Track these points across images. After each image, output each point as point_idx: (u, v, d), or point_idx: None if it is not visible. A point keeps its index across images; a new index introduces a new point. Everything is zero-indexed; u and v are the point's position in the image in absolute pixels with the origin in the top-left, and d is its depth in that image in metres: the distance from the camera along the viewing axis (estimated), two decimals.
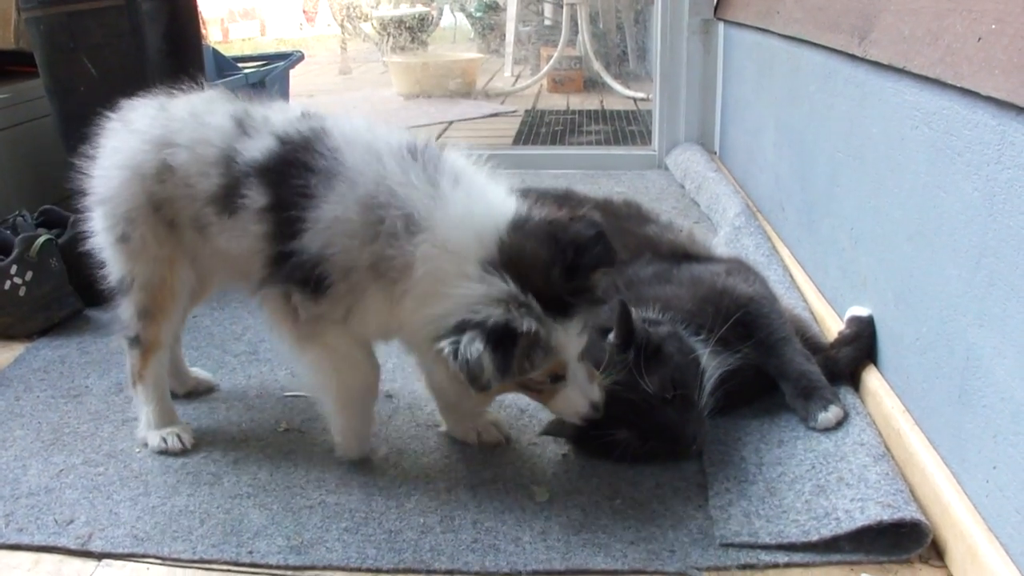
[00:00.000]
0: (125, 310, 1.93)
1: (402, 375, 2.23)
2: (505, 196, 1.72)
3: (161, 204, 1.83)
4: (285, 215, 1.69)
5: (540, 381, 1.68)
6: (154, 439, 1.97)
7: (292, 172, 1.70)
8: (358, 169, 1.68)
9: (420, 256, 1.61)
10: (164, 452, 1.96)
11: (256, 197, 1.72)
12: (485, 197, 1.70)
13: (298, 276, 1.69)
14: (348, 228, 1.65)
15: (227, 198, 1.75)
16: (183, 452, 1.96)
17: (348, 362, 1.80)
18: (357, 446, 1.88)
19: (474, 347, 1.52)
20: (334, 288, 1.68)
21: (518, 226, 1.64)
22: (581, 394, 1.71)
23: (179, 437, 1.97)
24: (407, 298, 1.64)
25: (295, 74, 4.19)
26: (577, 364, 1.69)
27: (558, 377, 1.68)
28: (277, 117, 1.80)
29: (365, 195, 1.66)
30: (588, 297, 1.65)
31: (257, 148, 1.74)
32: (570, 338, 1.64)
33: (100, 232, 1.91)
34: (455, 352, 1.53)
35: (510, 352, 1.55)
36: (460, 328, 1.55)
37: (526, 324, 1.56)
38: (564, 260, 1.62)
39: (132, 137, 1.86)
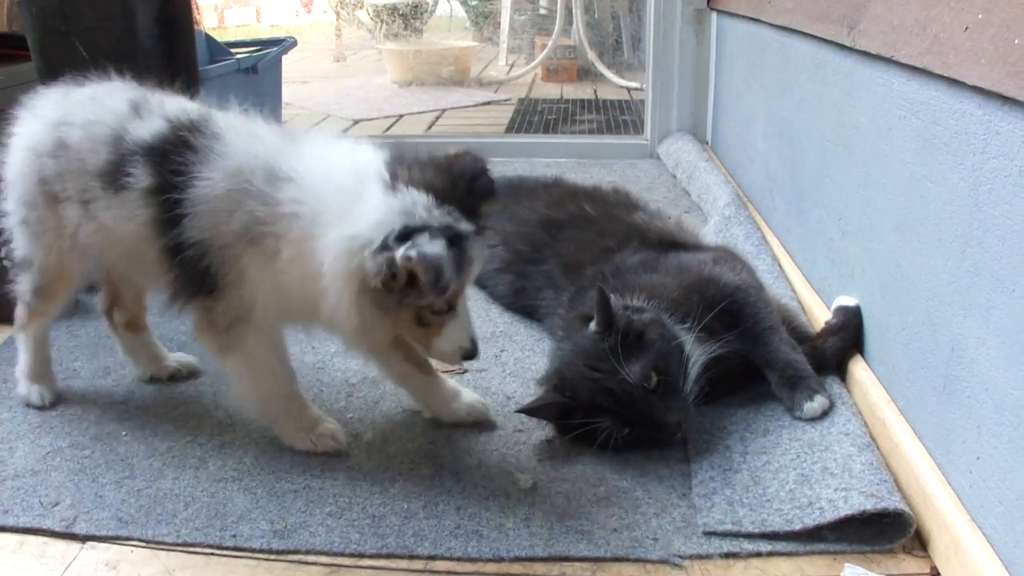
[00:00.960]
0: (23, 283, 2.02)
1: None
2: (374, 148, 1.74)
3: (53, 180, 1.88)
4: (167, 197, 1.72)
5: (433, 312, 1.68)
6: (22, 387, 2.13)
7: (175, 152, 1.74)
8: (233, 146, 1.74)
9: (294, 200, 1.65)
10: (27, 404, 2.10)
11: (141, 176, 1.76)
12: (352, 145, 1.75)
13: (193, 276, 1.74)
14: (216, 204, 1.69)
15: (113, 174, 1.79)
16: (41, 408, 2.08)
17: (265, 370, 1.85)
18: (304, 436, 1.89)
19: (436, 244, 1.54)
20: (224, 278, 1.72)
21: (398, 159, 1.68)
22: (463, 329, 1.73)
23: (41, 394, 2.10)
24: (301, 246, 1.64)
25: (289, 60, 4.18)
26: (461, 298, 1.73)
27: (450, 307, 1.70)
28: (172, 104, 1.86)
29: (233, 168, 1.70)
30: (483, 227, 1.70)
31: (146, 128, 1.79)
32: (479, 249, 1.68)
33: (9, 215, 1.98)
34: (415, 254, 1.52)
35: (459, 252, 1.58)
36: (405, 235, 1.55)
37: (465, 226, 1.61)
38: (460, 184, 1.65)
39: (35, 121, 1.93)
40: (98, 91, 1.93)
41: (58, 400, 2.11)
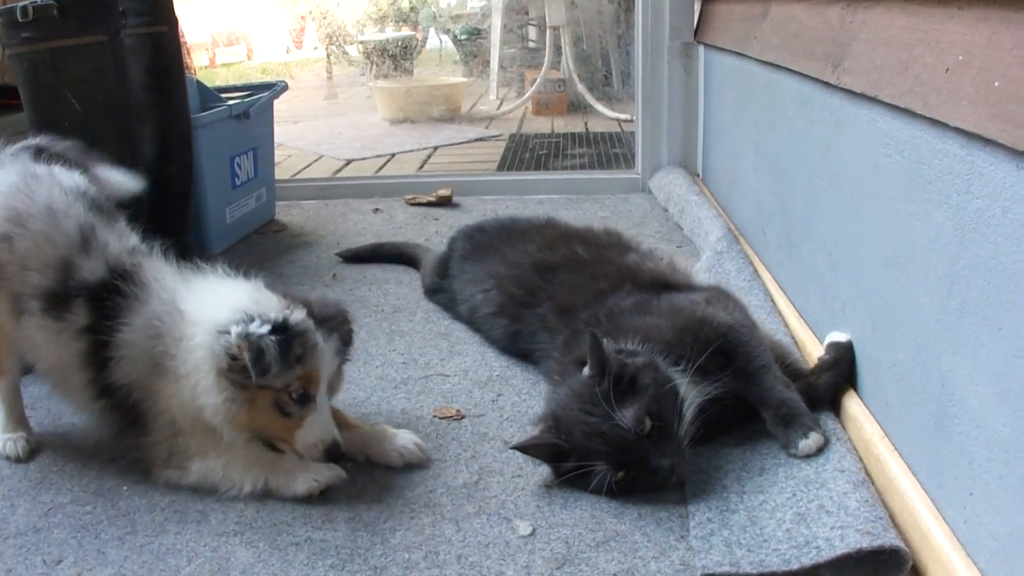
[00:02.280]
0: None
1: (388, 408, 2.24)
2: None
3: None
4: (99, 338, 1.92)
5: (292, 399, 1.84)
6: None
7: (110, 300, 1.93)
8: (152, 292, 1.96)
9: (188, 324, 1.88)
10: (3, 456, 2.12)
11: (80, 316, 1.93)
12: (242, 281, 1.99)
13: (125, 414, 1.96)
14: (136, 350, 1.91)
15: (56, 306, 1.94)
16: (17, 460, 2.10)
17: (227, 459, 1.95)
18: (304, 476, 1.92)
19: (260, 329, 1.74)
20: (150, 410, 1.94)
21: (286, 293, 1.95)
22: (327, 423, 1.90)
23: (17, 444, 2.12)
24: (190, 356, 1.86)
25: (281, 100, 4.21)
26: (325, 394, 1.91)
27: (308, 398, 1.85)
28: (115, 245, 2.01)
29: (149, 312, 1.93)
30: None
31: (92, 271, 1.95)
32: (328, 350, 1.88)
33: None
34: (243, 332, 1.74)
35: (290, 341, 1.78)
36: (243, 321, 1.76)
37: (301, 319, 1.82)
38: (327, 311, 1.94)
39: None
40: (56, 199, 2.00)
41: (37, 450, 2.13)
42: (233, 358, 1.77)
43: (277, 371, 1.75)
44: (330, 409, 1.94)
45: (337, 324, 1.93)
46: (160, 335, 1.89)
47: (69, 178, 2.08)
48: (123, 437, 2.01)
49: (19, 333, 2.00)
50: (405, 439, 2.03)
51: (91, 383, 1.95)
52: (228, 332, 1.76)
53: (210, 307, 1.86)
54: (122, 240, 2.05)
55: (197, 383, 1.83)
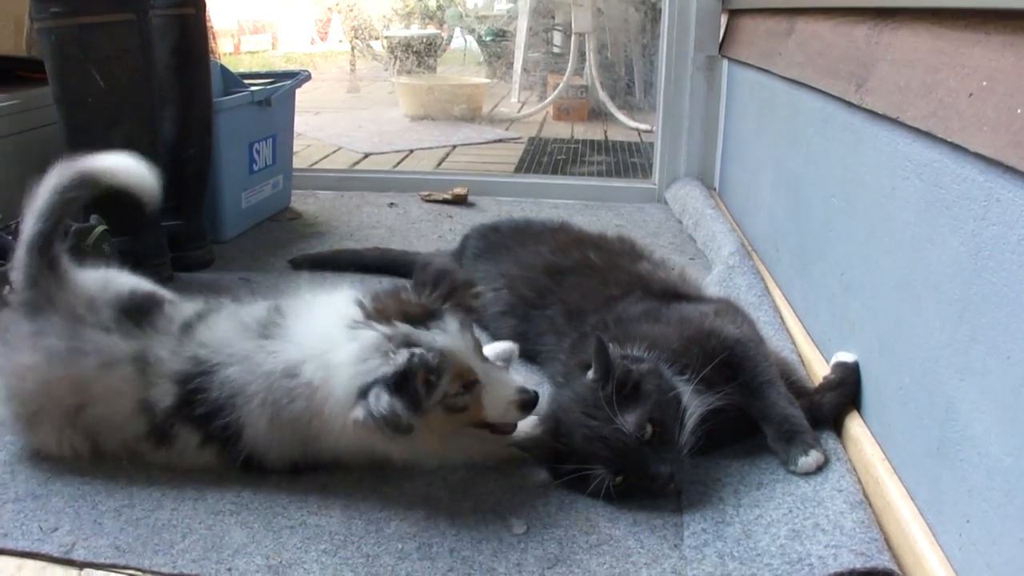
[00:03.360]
0: None
1: None
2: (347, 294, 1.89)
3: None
4: (225, 437, 1.86)
5: (458, 394, 1.78)
6: None
7: (203, 401, 1.85)
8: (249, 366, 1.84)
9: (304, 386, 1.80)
10: None
11: (190, 435, 1.89)
12: (324, 304, 1.91)
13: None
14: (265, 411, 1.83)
15: (163, 440, 1.91)
16: None
17: None
18: None
19: (382, 401, 1.65)
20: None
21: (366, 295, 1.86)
22: (502, 385, 1.83)
23: None
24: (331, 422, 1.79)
25: (303, 90, 4.21)
26: (480, 362, 1.82)
27: (472, 383, 1.79)
28: (169, 351, 1.90)
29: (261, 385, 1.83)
30: (453, 307, 1.84)
31: (162, 395, 1.86)
32: (453, 336, 1.78)
33: None
34: (367, 414, 1.65)
35: (412, 386, 1.67)
36: (362, 393, 1.68)
37: (406, 357, 1.70)
38: (417, 289, 1.86)
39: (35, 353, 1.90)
40: (103, 348, 1.89)
41: None
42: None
43: (418, 415, 1.70)
44: (496, 368, 1.89)
45: (447, 298, 1.85)
46: (282, 403, 1.80)
47: (103, 315, 1.93)
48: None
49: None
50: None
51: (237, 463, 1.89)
52: (358, 418, 1.68)
53: (323, 371, 1.76)
54: (174, 336, 1.91)
55: (361, 440, 1.79)
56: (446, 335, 1.77)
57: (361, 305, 1.82)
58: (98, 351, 1.86)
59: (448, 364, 1.75)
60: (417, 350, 1.71)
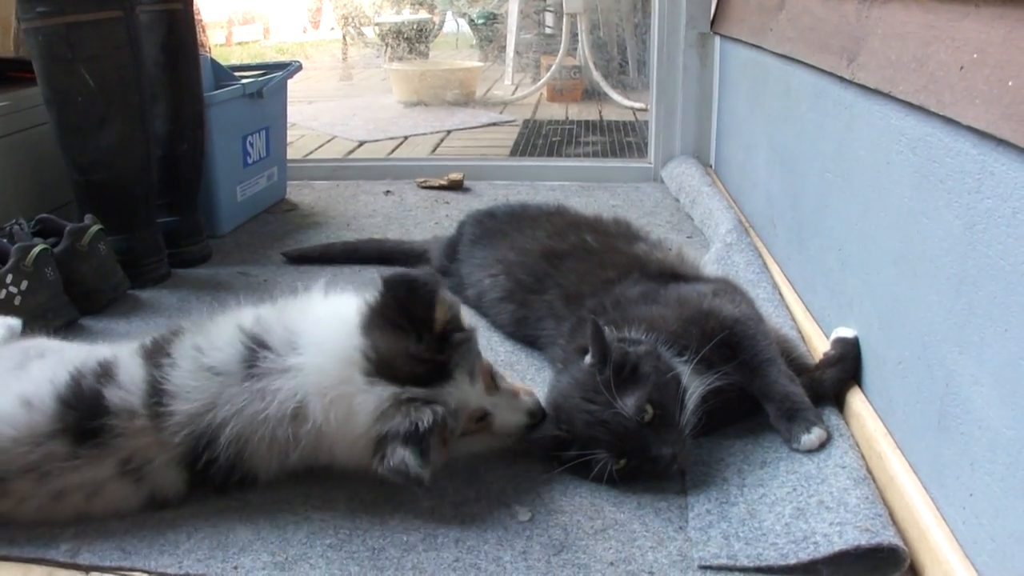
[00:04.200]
0: None
1: None
2: (342, 309, 1.83)
3: None
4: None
5: (471, 429, 1.82)
6: None
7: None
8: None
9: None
10: None
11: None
12: (330, 322, 1.82)
13: None
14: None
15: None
16: None
17: None
18: None
19: (396, 456, 1.64)
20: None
21: (366, 326, 1.76)
22: (511, 412, 1.85)
23: None
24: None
25: (295, 79, 4.20)
26: (490, 396, 1.83)
27: (484, 415, 1.82)
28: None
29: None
30: (452, 340, 1.77)
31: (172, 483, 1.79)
32: (464, 390, 1.75)
33: None
34: (389, 471, 1.65)
35: (425, 440, 1.66)
36: (380, 444, 1.68)
37: (427, 416, 1.67)
38: (410, 327, 1.74)
39: None
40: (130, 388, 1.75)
41: None
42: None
43: (429, 467, 1.66)
44: (506, 393, 1.88)
45: (447, 333, 1.77)
46: (292, 445, 1.74)
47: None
48: None
49: None
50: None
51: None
52: (375, 469, 1.68)
53: (336, 414, 1.71)
54: (144, 418, 1.73)
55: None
56: (459, 390, 1.75)
57: (367, 357, 1.73)
58: (80, 485, 1.73)
59: (460, 419, 1.76)
60: (439, 409, 1.69)
